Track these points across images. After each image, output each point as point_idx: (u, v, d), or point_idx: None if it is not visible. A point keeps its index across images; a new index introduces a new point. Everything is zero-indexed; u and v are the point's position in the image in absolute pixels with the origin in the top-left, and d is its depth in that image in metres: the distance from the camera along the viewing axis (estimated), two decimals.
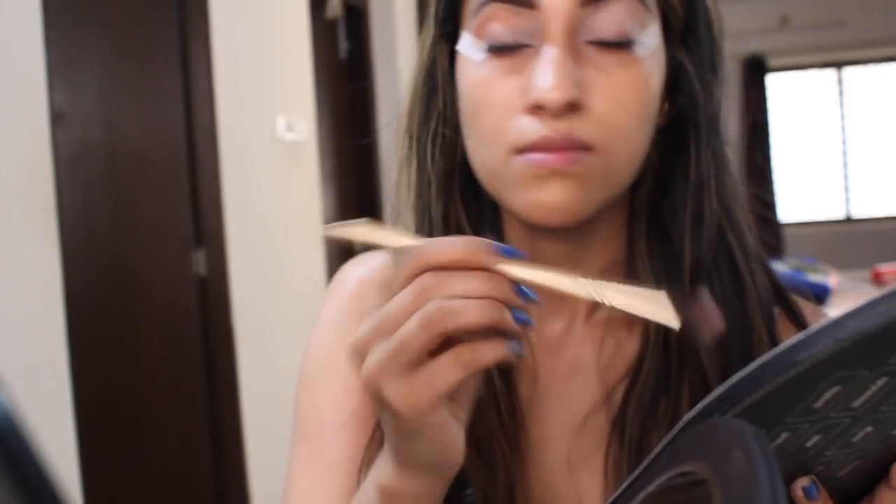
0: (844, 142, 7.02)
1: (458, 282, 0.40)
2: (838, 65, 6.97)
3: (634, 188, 0.60)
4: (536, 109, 0.53)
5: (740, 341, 0.58)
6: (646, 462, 0.46)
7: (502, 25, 0.55)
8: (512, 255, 0.42)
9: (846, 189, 7.05)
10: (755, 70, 6.90)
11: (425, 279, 0.41)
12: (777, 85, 7.05)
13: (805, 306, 0.66)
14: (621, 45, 0.54)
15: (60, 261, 1.99)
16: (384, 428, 0.46)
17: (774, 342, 0.59)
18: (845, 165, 7.03)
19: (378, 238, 0.43)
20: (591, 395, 0.61)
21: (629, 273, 0.59)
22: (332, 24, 4.11)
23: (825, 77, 7.04)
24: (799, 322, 0.63)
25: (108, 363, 2.47)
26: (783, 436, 0.43)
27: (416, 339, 0.40)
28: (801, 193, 6.98)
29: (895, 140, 6.92)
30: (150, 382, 2.61)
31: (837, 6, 6.66)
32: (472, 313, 0.40)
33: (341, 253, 3.29)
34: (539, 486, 0.61)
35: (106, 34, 2.54)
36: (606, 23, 0.54)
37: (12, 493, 0.24)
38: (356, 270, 0.69)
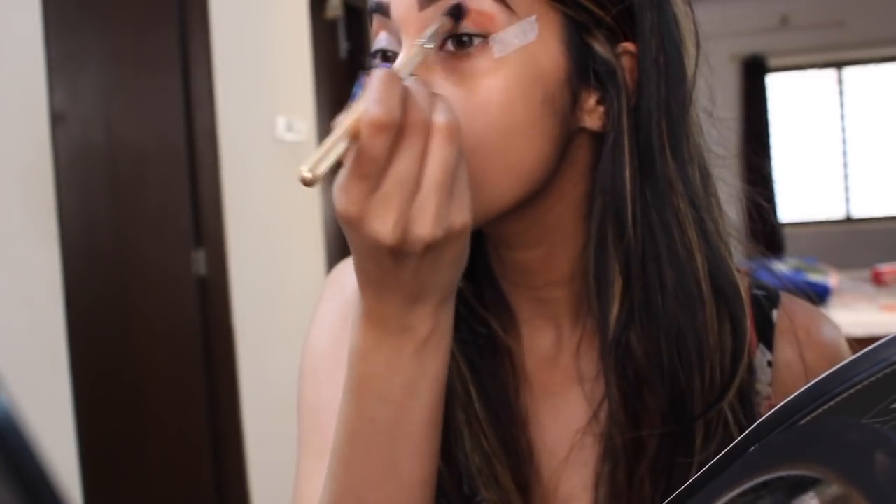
0: (844, 142, 7.01)
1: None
2: (838, 65, 6.97)
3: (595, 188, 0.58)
4: None
5: (696, 349, 0.56)
6: (710, 469, 0.45)
7: (384, 34, 0.57)
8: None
9: (846, 189, 7.05)
10: (755, 70, 6.90)
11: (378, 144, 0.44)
12: (777, 85, 7.05)
13: (805, 306, 0.67)
14: (464, 43, 0.52)
15: (60, 260, 1.99)
16: (425, 276, 0.48)
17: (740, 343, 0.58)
18: (845, 165, 7.03)
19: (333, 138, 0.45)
20: (588, 401, 0.62)
21: (598, 275, 0.58)
22: (332, 24, 4.12)
23: (825, 77, 7.04)
24: (763, 325, 0.63)
25: (108, 363, 2.47)
26: None
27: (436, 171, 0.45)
28: (801, 193, 6.98)
29: (895, 140, 6.92)
30: (150, 382, 2.61)
31: (837, 6, 6.66)
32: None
33: (341, 253, 3.29)
34: (542, 492, 0.61)
35: (106, 34, 2.54)
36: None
37: (12, 493, 0.24)
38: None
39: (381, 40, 0.57)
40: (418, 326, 0.49)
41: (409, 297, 0.48)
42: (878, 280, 3.47)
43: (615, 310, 0.57)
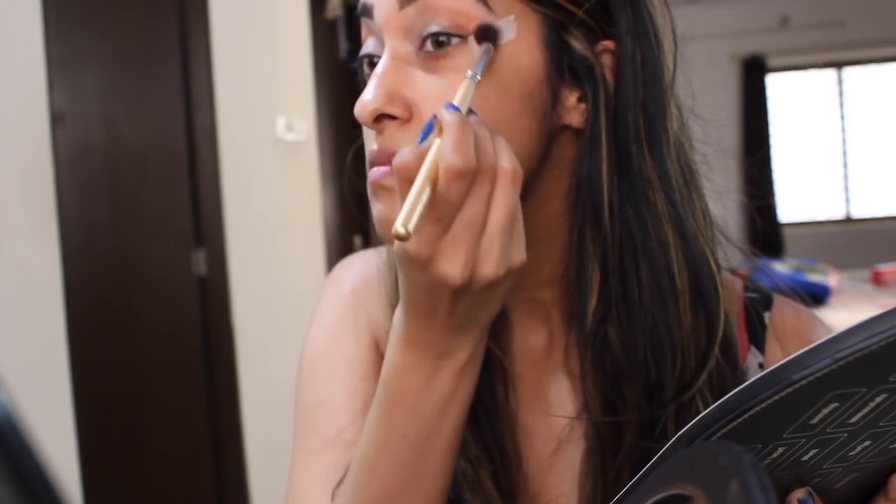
0: (844, 142, 7.01)
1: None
2: (838, 65, 6.96)
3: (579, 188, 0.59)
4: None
5: (669, 341, 0.57)
6: (637, 478, 0.46)
7: (371, 38, 0.57)
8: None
9: (846, 189, 7.04)
10: (755, 70, 6.90)
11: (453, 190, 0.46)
12: (777, 85, 7.05)
13: (797, 308, 0.67)
14: (443, 43, 0.53)
15: (60, 261, 1.99)
16: (471, 313, 0.49)
17: (728, 341, 0.59)
18: (845, 165, 7.02)
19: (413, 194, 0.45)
20: (577, 399, 0.62)
21: (577, 268, 0.58)
22: (332, 24, 4.12)
23: (825, 77, 7.04)
24: (751, 325, 0.64)
25: (108, 363, 2.47)
26: (779, 450, 0.43)
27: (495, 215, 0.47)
28: (801, 193, 6.98)
29: (895, 140, 6.92)
30: (150, 382, 2.61)
31: (837, 6, 6.65)
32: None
33: (341, 253, 3.29)
34: (530, 494, 0.62)
35: (106, 34, 2.54)
36: (430, 20, 0.53)
37: (12, 493, 0.24)
38: (354, 267, 0.71)
39: (367, 46, 0.58)
40: (459, 351, 0.51)
41: (457, 326, 0.50)
42: (878, 280, 3.47)
43: (593, 302, 0.58)
